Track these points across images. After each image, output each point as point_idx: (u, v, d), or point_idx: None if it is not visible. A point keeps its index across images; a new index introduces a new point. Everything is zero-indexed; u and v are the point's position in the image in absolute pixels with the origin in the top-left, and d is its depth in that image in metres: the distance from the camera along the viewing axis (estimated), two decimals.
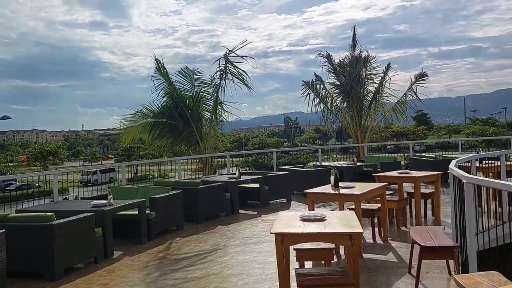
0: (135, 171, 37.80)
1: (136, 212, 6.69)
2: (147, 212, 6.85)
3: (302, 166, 11.93)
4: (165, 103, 12.10)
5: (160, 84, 12.08)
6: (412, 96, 13.07)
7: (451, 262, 4.59)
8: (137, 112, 11.90)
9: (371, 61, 13.29)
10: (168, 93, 12.09)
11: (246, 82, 10.40)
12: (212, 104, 11.89)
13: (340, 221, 3.92)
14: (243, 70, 10.42)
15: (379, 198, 6.20)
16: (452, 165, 5.23)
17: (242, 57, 10.24)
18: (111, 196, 6.42)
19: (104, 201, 6.39)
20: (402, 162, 12.52)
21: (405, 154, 25.79)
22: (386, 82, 13.13)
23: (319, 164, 11.97)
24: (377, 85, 13.22)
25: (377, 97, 13.23)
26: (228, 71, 10.59)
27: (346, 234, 3.55)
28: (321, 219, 3.96)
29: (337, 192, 5.64)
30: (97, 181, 43.92)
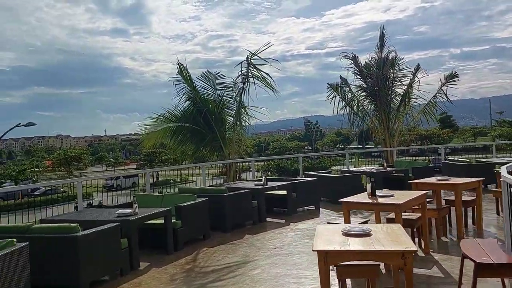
0: (156, 176, 37.91)
1: (162, 221, 6.46)
2: (173, 221, 6.61)
3: (329, 172, 11.56)
4: (187, 108, 11.91)
5: (183, 88, 11.90)
6: (442, 97, 12.52)
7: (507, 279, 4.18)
8: (160, 116, 11.73)
9: (399, 63, 12.81)
10: (190, 98, 11.89)
11: (270, 85, 10.10)
12: (235, 108, 11.64)
13: (388, 236, 3.57)
14: (266, 73, 10.16)
15: (418, 207, 5.81)
16: (503, 172, 4.80)
17: (265, 59, 9.97)
18: (136, 205, 6.20)
19: (129, 210, 6.18)
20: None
21: (430, 158, 25.04)
22: (415, 83, 12.61)
23: (346, 169, 11.56)
24: (406, 87, 12.70)
25: (406, 99, 12.72)
26: (251, 74, 10.31)
27: (398, 252, 3.19)
28: (367, 234, 3.60)
29: (375, 201, 5.27)
30: (120, 186, 44.35)
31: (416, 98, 12.74)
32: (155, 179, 37.36)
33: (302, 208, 9.38)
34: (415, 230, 5.78)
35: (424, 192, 5.78)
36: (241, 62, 10.51)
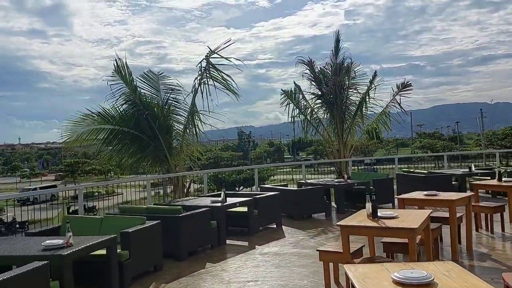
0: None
1: (105, 252, 5.01)
2: (118, 251, 5.19)
3: (286, 185, 10.63)
4: (127, 111, 10.34)
5: (120, 89, 10.31)
6: (396, 107, 12.20)
7: None
8: (91, 114, 9.96)
9: (355, 70, 12.30)
10: (130, 100, 10.34)
11: (231, 87, 8.87)
12: (183, 113, 10.31)
13: (459, 283, 2.57)
14: (227, 74, 8.93)
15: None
16: None
17: (227, 58, 8.72)
18: (70, 233, 4.70)
19: (60, 241, 4.67)
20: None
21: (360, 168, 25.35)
22: (372, 90, 12.11)
23: (304, 181, 10.69)
24: (362, 95, 12.18)
25: (363, 108, 12.19)
26: (209, 75, 9.02)
27: None
28: (430, 285, 2.57)
29: (382, 225, 4.31)
30: (37, 200, 40.15)
31: (371, 107, 12.27)
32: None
33: (263, 226, 8.29)
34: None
35: (429, 210, 4.96)
36: (201, 61, 9.13)
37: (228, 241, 7.33)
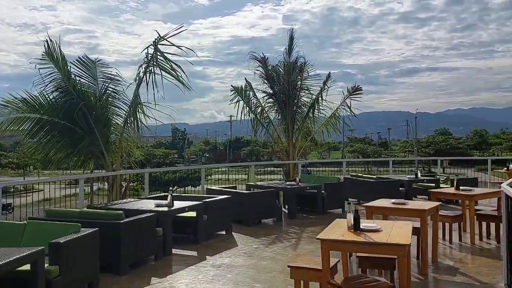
0: None
1: (29, 268, 4.04)
2: (46, 266, 4.22)
3: (235, 186, 9.94)
4: (55, 100, 9.09)
5: (50, 74, 9.05)
6: (346, 110, 12.02)
7: None
8: (12, 101, 8.65)
9: (308, 70, 11.94)
10: (61, 88, 9.10)
11: (181, 79, 7.93)
12: (122, 105, 9.26)
13: None
14: (177, 64, 7.98)
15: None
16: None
17: (179, 47, 7.77)
18: None
19: None
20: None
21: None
22: (324, 91, 11.81)
23: (254, 183, 10.09)
24: (315, 96, 11.83)
25: (314, 110, 11.86)
26: (155, 63, 8.02)
27: None
28: None
29: (369, 239, 3.79)
30: None
31: (323, 109, 11.96)
32: None
33: (212, 233, 7.55)
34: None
35: (410, 223, 4.54)
36: (147, 47, 8.06)
37: (174, 251, 6.51)
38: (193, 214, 7.07)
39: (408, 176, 11.33)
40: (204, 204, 7.21)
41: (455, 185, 7.22)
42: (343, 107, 12.08)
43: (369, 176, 11.47)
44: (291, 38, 12.07)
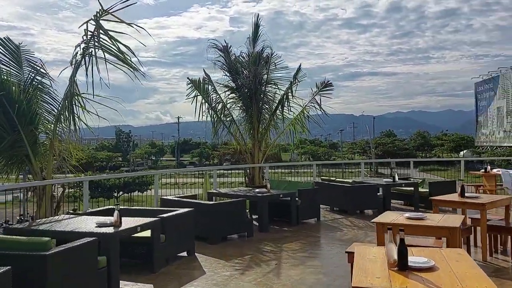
0: None
1: None
2: None
3: (195, 196, 8.38)
4: None
5: None
6: (316, 108, 10.86)
7: None
8: None
9: (275, 62, 10.63)
10: None
11: (128, 60, 6.24)
12: (51, 102, 7.49)
13: None
14: (125, 45, 6.29)
15: None
16: None
17: (129, 24, 6.07)
18: None
19: None
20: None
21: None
22: (294, 85, 10.55)
23: (216, 191, 8.64)
24: (284, 91, 10.55)
25: (283, 106, 10.57)
26: (97, 43, 6.30)
27: None
28: None
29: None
30: None
31: (293, 106, 10.70)
32: None
33: (171, 256, 6.04)
34: None
35: (466, 253, 3.33)
36: (87, 23, 6.30)
37: (122, 284, 4.95)
38: (147, 233, 5.53)
39: (384, 179, 10.35)
40: (161, 220, 5.68)
41: (459, 191, 6.20)
42: (312, 104, 10.90)
43: (343, 180, 10.37)
44: (256, 25, 10.72)
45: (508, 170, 10.51)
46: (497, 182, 10.79)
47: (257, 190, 8.45)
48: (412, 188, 9.98)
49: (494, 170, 10.78)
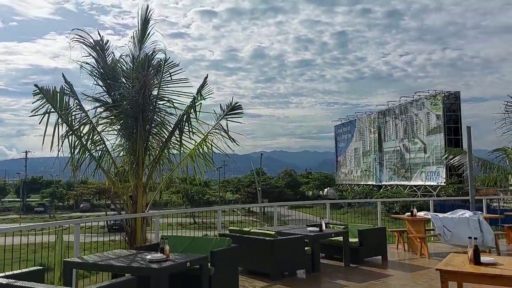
0: None
1: None
2: None
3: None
4: None
5: None
6: (224, 136, 8.24)
7: None
8: None
9: (170, 71, 7.70)
10: None
11: None
12: None
13: None
14: None
15: None
16: None
17: None
18: None
19: None
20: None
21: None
22: (198, 103, 7.70)
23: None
24: (183, 111, 7.67)
25: (181, 131, 7.64)
26: None
27: None
28: None
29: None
30: None
31: (194, 132, 7.81)
32: None
33: None
34: None
35: None
36: None
37: None
38: None
39: (309, 228, 8.08)
40: None
41: (471, 255, 4.18)
42: (216, 131, 8.27)
43: (261, 231, 7.76)
44: (145, 20, 7.73)
45: (437, 214, 9.24)
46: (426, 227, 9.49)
47: (149, 257, 5.36)
48: (342, 238, 7.97)
49: (421, 214, 9.44)
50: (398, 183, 55.16)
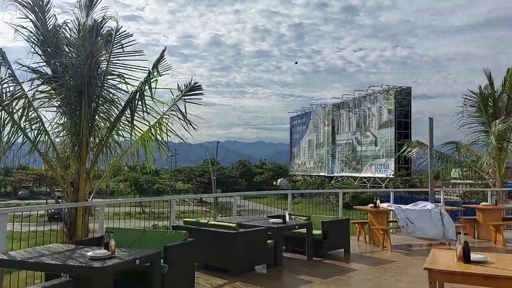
0: None
1: None
2: None
3: None
4: None
5: None
6: (180, 118, 7.44)
7: None
8: None
9: (122, 42, 6.77)
10: None
11: None
12: None
13: None
14: None
15: None
16: None
17: None
18: None
19: None
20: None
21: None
22: (154, 80, 6.77)
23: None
24: (137, 87, 6.76)
25: (133, 111, 6.73)
26: None
27: None
28: None
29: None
30: None
31: (149, 112, 6.93)
32: None
33: None
34: None
35: None
36: None
37: None
38: None
39: (271, 220, 7.52)
40: None
41: (460, 253, 3.78)
42: (172, 112, 7.48)
43: (220, 223, 7.11)
44: None
45: (400, 206, 9.02)
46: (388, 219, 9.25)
47: (90, 253, 4.58)
48: (305, 230, 7.52)
49: (384, 205, 9.18)
50: (349, 174, 56.34)
